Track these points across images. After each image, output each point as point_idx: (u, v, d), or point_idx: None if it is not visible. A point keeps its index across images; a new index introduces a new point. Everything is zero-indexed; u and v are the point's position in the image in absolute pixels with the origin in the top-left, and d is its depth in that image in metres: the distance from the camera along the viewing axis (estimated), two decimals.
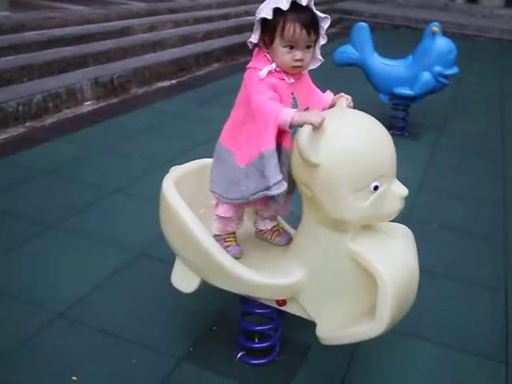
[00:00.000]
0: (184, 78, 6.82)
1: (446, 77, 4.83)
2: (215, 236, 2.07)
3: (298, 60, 1.79)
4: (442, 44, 4.81)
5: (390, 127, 5.11)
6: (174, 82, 6.62)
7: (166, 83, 6.51)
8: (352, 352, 2.30)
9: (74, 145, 4.34)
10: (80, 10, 7.25)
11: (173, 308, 2.50)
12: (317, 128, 1.62)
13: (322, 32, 1.83)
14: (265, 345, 2.17)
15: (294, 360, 2.25)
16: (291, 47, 1.79)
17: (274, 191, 1.74)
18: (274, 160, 1.73)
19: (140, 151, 4.30)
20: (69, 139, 4.45)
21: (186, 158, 2.33)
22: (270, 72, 1.80)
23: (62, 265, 2.77)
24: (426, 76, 4.79)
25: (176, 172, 2.18)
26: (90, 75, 5.65)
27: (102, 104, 5.49)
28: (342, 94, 1.97)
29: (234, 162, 1.89)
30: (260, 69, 1.80)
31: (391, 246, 1.80)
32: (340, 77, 6.13)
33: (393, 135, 1.75)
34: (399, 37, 11.43)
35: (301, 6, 1.74)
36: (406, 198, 1.72)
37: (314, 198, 1.73)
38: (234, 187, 1.90)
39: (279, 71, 1.82)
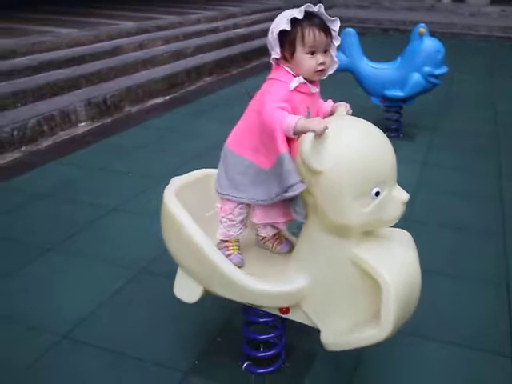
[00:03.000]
0: (177, 94, 6.86)
1: (435, 76, 4.87)
2: (219, 242, 2.09)
3: (321, 63, 1.87)
4: (430, 44, 4.85)
5: (384, 129, 5.12)
6: (166, 98, 6.65)
7: (159, 100, 6.54)
8: (359, 356, 2.30)
9: (70, 166, 4.35)
10: (70, 32, 7.30)
11: (176, 322, 2.50)
12: (319, 135, 1.65)
13: (335, 34, 1.91)
14: (270, 353, 2.17)
15: (301, 366, 2.25)
16: (312, 53, 1.86)
17: (290, 193, 1.74)
18: (287, 164, 1.74)
19: (136, 169, 4.31)
20: (65, 161, 4.47)
21: (183, 172, 2.33)
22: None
23: (65, 286, 2.77)
24: (416, 77, 4.82)
25: (177, 182, 2.19)
26: (83, 96, 5.68)
27: (96, 124, 5.51)
28: (341, 102, 2.00)
29: (257, 165, 1.91)
30: (282, 80, 1.87)
31: (393, 251, 1.81)
32: (332, 82, 6.14)
33: (388, 137, 1.76)
34: (388, 40, 11.50)
35: (312, 13, 1.84)
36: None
37: (317, 204, 1.74)
38: (259, 188, 1.92)
39: (304, 83, 1.88)
